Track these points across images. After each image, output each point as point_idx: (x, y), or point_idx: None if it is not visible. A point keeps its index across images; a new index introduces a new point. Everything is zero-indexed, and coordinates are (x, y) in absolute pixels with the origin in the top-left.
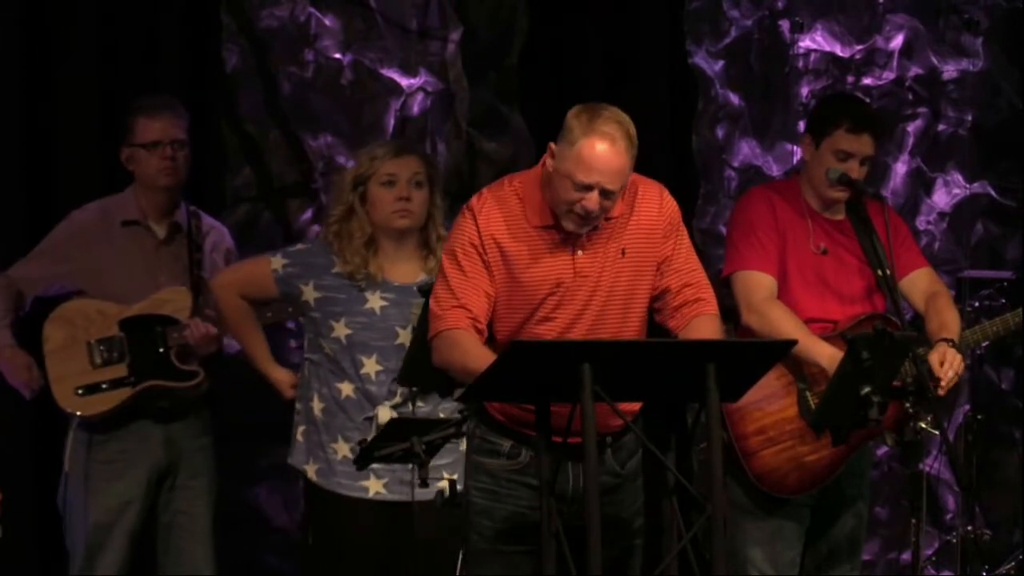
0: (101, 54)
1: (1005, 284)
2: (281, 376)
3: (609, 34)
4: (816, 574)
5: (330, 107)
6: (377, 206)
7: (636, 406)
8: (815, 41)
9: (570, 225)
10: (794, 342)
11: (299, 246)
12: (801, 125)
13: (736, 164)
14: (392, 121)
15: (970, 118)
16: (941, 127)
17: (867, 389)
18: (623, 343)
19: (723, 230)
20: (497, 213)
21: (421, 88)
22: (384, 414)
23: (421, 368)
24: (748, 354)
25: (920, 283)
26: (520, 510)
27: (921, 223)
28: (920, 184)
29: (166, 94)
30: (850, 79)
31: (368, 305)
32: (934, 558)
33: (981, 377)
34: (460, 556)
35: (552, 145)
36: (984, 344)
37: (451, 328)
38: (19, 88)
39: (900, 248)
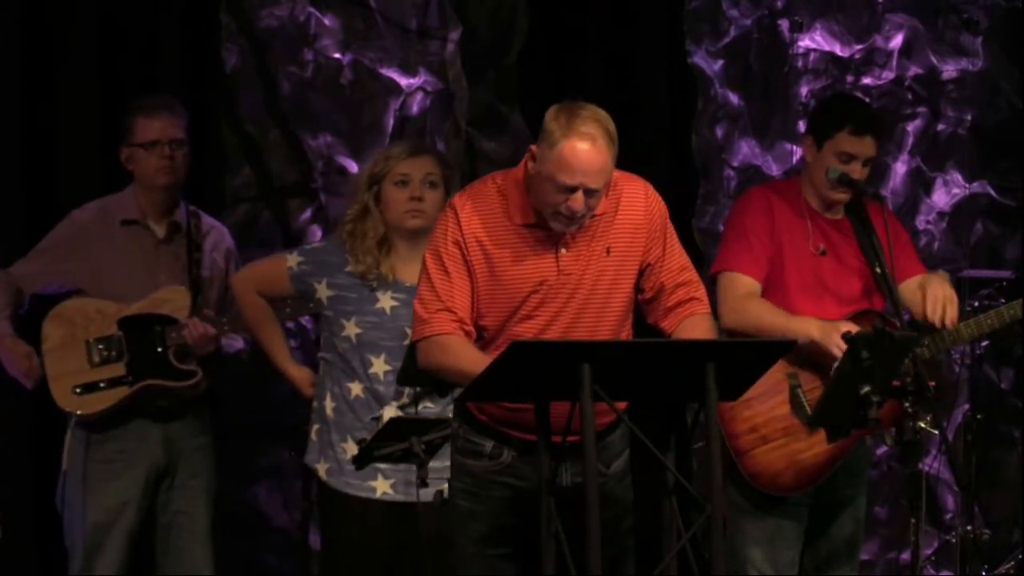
0: (101, 54)
1: (1005, 284)
2: (299, 374)
3: (609, 34)
4: (815, 575)
5: (330, 107)
6: (390, 206)
7: (621, 404)
8: (814, 41)
9: (557, 226)
10: (793, 342)
11: (315, 244)
12: (801, 125)
13: (735, 164)
14: (392, 121)
15: (969, 118)
16: (940, 127)
17: (867, 389)
18: (623, 343)
19: (722, 229)
20: (479, 211)
21: (420, 88)
22: (390, 415)
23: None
24: (747, 354)
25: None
26: (502, 512)
27: (921, 223)
28: (920, 184)
29: (166, 94)
30: (849, 79)
31: (379, 305)
32: (933, 558)
33: (981, 377)
34: None
35: (533, 147)
36: (984, 343)
37: (440, 333)
38: (19, 88)
39: (900, 253)
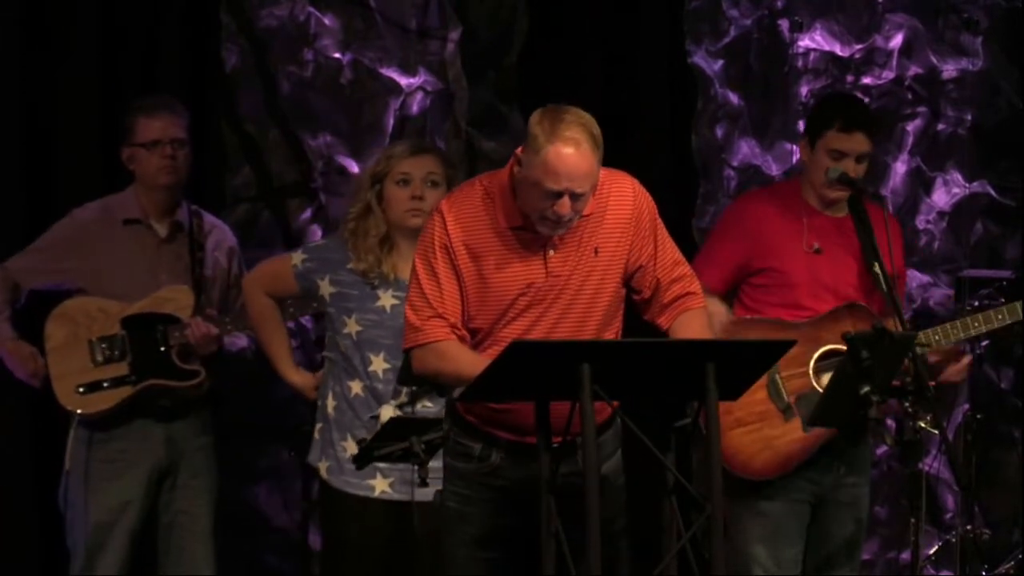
0: (101, 54)
1: (1004, 283)
2: (300, 380)
3: (609, 34)
4: (815, 575)
5: (329, 106)
6: (392, 204)
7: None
8: (814, 40)
9: (544, 230)
10: (793, 341)
11: (319, 242)
12: (801, 125)
13: (735, 163)
14: (391, 120)
15: (969, 118)
16: (940, 126)
17: (866, 389)
18: (623, 343)
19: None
20: (466, 215)
21: (420, 87)
22: (387, 413)
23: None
24: (747, 353)
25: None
26: (492, 514)
27: (920, 222)
28: (919, 183)
29: (166, 94)
30: (849, 78)
31: (379, 303)
32: (933, 557)
33: (981, 377)
34: None
35: (518, 151)
36: (984, 343)
37: (435, 340)
38: (19, 88)
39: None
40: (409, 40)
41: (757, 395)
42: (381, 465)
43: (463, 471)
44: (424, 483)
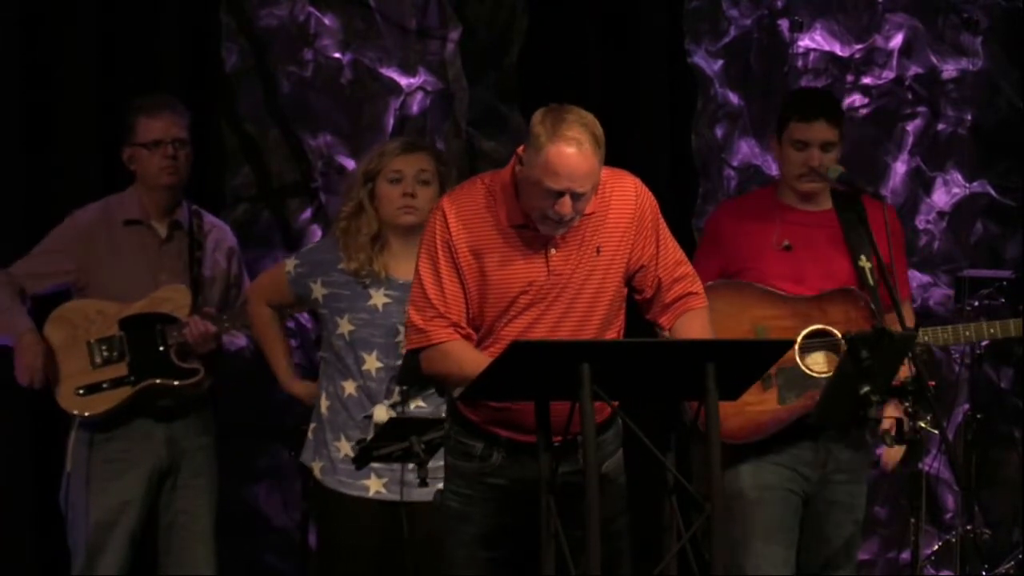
0: (101, 54)
1: (1004, 283)
2: (301, 390)
3: (609, 34)
4: None
5: (329, 106)
6: (384, 202)
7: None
8: (814, 40)
9: (546, 229)
10: (793, 341)
11: (311, 245)
12: None
13: (735, 163)
14: (391, 120)
15: (969, 117)
16: (940, 126)
17: (866, 388)
18: (623, 343)
19: None
20: (468, 213)
21: (420, 87)
22: (381, 413)
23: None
24: (747, 353)
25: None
26: (493, 514)
27: (921, 222)
28: (919, 183)
29: (165, 93)
30: (849, 78)
31: (371, 302)
32: (933, 557)
33: (981, 377)
34: None
35: (519, 150)
36: (983, 343)
37: (440, 341)
38: (19, 88)
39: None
40: (409, 40)
41: None
42: (376, 465)
43: (464, 470)
44: (424, 483)
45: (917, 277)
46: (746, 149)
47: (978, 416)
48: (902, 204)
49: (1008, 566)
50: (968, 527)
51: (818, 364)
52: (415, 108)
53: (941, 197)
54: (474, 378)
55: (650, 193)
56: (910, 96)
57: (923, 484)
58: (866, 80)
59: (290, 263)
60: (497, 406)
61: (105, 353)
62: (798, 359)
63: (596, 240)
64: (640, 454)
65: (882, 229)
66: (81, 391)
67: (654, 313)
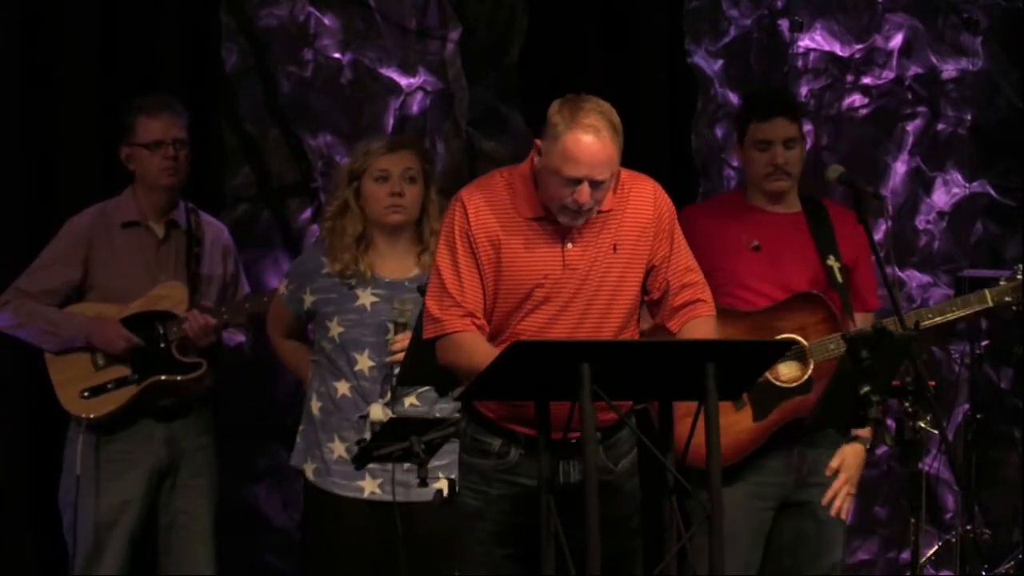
0: (101, 54)
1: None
2: None
3: (609, 34)
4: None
5: (329, 106)
6: (370, 201)
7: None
8: (814, 40)
9: (565, 219)
10: (793, 341)
11: (297, 259)
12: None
13: (735, 163)
14: (391, 120)
15: (969, 117)
16: (940, 126)
17: (867, 389)
18: (623, 343)
19: None
20: (487, 204)
21: (420, 87)
22: (377, 412)
23: (422, 367)
24: (747, 354)
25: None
26: (510, 511)
27: (920, 222)
28: (919, 183)
29: (165, 93)
30: (849, 78)
31: (359, 302)
32: (933, 557)
33: (981, 377)
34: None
35: (538, 142)
36: (983, 343)
37: (453, 331)
38: (19, 88)
39: (858, 277)
40: (409, 40)
41: None
42: (371, 466)
43: (481, 468)
44: (424, 483)
45: (917, 277)
46: None
47: (978, 416)
48: (902, 204)
49: (1008, 566)
50: (968, 527)
51: (787, 374)
52: (415, 108)
53: (941, 197)
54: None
55: (668, 198)
56: (910, 96)
57: (923, 484)
58: (866, 80)
59: (282, 286)
60: (513, 403)
61: (107, 355)
62: (767, 373)
63: (613, 238)
64: (640, 454)
65: (851, 234)
66: (86, 393)
67: (662, 316)
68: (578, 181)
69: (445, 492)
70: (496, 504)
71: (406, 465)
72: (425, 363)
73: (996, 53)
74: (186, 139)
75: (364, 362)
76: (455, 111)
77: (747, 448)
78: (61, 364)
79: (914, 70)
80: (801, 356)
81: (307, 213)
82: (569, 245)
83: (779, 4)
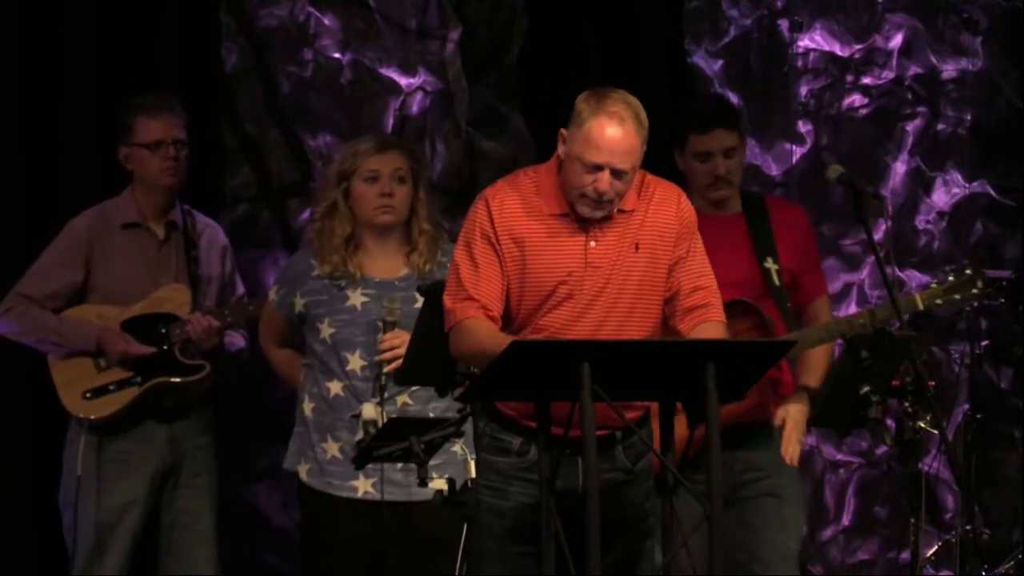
0: (101, 54)
1: (1004, 283)
2: None
3: (609, 34)
4: (761, 571)
5: (329, 106)
6: (360, 202)
7: (645, 403)
8: (814, 40)
9: (584, 210)
10: (793, 342)
11: (285, 264)
12: (801, 125)
13: None
14: (391, 120)
15: (969, 118)
16: (940, 127)
17: (866, 389)
18: (623, 343)
19: None
20: (511, 202)
21: (420, 87)
22: (369, 411)
23: (422, 367)
24: (747, 354)
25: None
26: (528, 510)
27: (920, 223)
28: (919, 183)
29: (165, 93)
30: (849, 78)
31: (349, 303)
32: (933, 557)
33: (980, 377)
34: (459, 555)
35: (563, 131)
36: (984, 343)
37: (463, 319)
38: (19, 88)
39: (806, 267)
40: (409, 40)
41: None
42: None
43: (500, 466)
44: (424, 483)
45: (917, 277)
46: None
47: (978, 416)
48: (902, 204)
49: (1008, 566)
50: (968, 527)
51: None
52: (415, 108)
53: (941, 197)
54: (490, 354)
55: (691, 206)
56: (910, 96)
57: (923, 484)
58: (866, 80)
59: (272, 292)
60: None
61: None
62: None
63: (635, 237)
64: None
65: (796, 231)
66: (88, 395)
67: (673, 319)
68: (599, 168)
69: (445, 492)
70: (514, 501)
71: (399, 465)
72: (425, 363)
73: (996, 53)
74: (185, 139)
75: (356, 362)
76: (455, 111)
77: (682, 454)
78: (63, 365)
79: (914, 70)
80: None
81: (307, 213)
82: (592, 243)
83: (779, 4)
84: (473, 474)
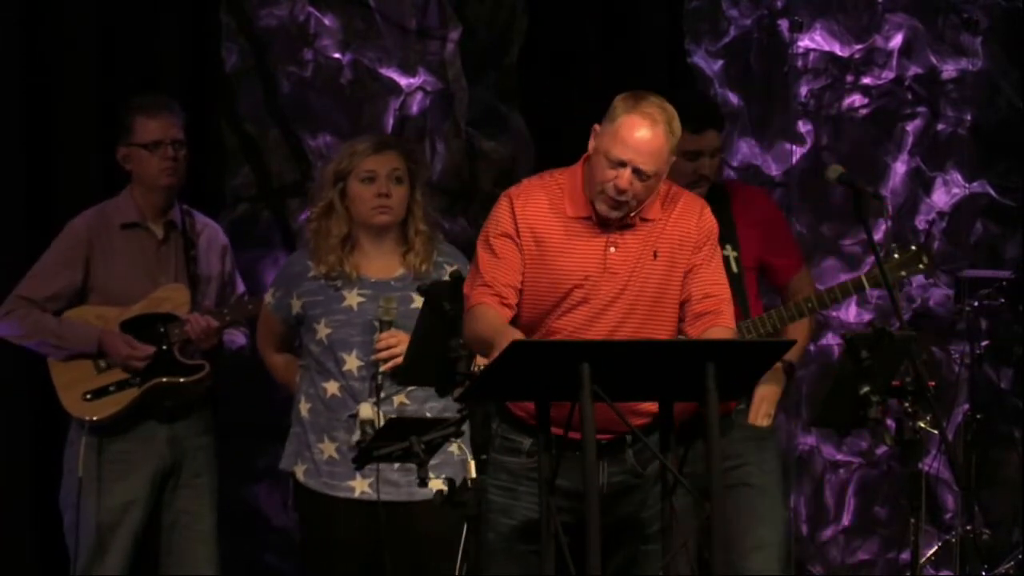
0: (101, 54)
1: (1004, 284)
2: None
3: (609, 34)
4: (739, 562)
5: (329, 106)
6: (357, 202)
7: (654, 406)
8: (814, 40)
9: (602, 207)
10: (793, 342)
11: (282, 266)
12: (801, 125)
13: (735, 163)
14: (391, 120)
15: (969, 118)
16: (940, 127)
17: (866, 389)
18: (622, 343)
19: None
20: (535, 201)
21: (420, 87)
22: (366, 411)
23: (422, 367)
24: (747, 354)
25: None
26: (536, 509)
27: (920, 223)
28: (919, 184)
29: (165, 93)
30: (849, 78)
31: (345, 303)
32: (933, 557)
33: (980, 377)
34: (459, 555)
35: (596, 126)
36: (984, 343)
37: (475, 304)
38: (19, 88)
39: (777, 244)
40: (409, 40)
41: None
42: None
43: (511, 466)
44: (424, 483)
45: (917, 277)
46: (746, 149)
47: (978, 416)
48: (902, 204)
49: (1008, 566)
50: (968, 527)
51: None
52: (415, 108)
53: (941, 197)
54: (489, 343)
55: (713, 218)
56: (910, 96)
57: (923, 484)
58: (866, 80)
59: (268, 295)
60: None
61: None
62: None
63: (654, 245)
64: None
65: (760, 214)
66: (88, 396)
67: (685, 323)
68: (623, 164)
69: (445, 492)
70: (524, 500)
71: (396, 465)
72: (424, 363)
73: (996, 53)
74: (184, 139)
75: (352, 362)
76: (455, 111)
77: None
78: (63, 367)
79: (914, 70)
80: None
81: (307, 213)
82: (612, 249)
83: (779, 4)
84: (472, 474)
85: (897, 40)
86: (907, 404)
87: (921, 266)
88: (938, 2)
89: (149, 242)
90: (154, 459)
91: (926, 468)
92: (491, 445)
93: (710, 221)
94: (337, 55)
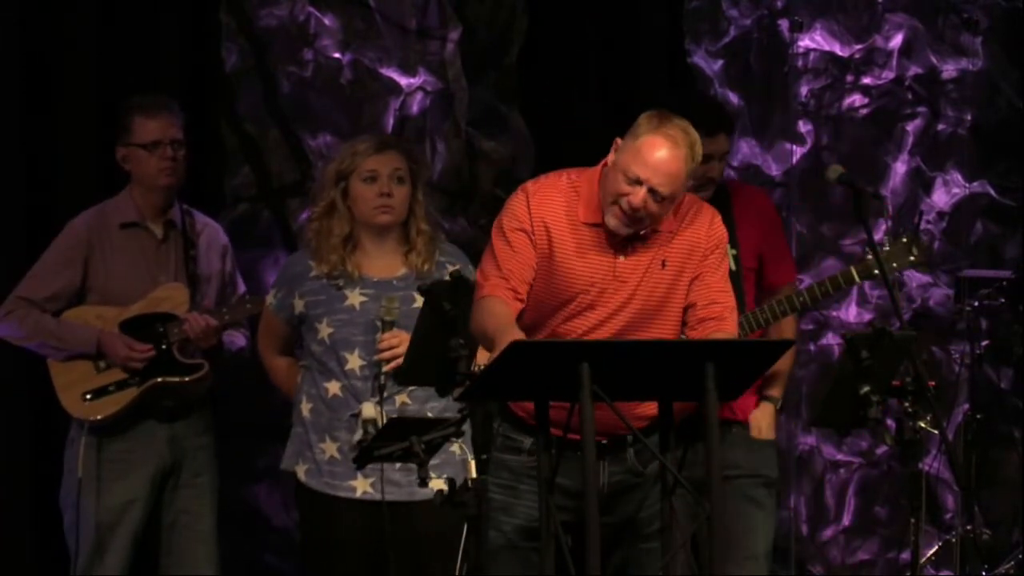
0: (101, 54)
1: (1004, 283)
2: None
3: (609, 34)
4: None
5: (329, 106)
6: (359, 202)
7: (652, 410)
8: (814, 40)
9: (612, 221)
10: (793, 342)
11: (282, 266)
12: (801, 125)
13: (735, 163)
14: (391, 120)
15: (969, 118)
16: (940, 127)
17: (866, 388)
18: (622, 343)
19: None
20: (551, 199)
21: (420, 87)
22: (368, 410)
23: (422, 367)
24: (747, 354)
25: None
26: (537, 508)
27: (920, 222)
28: (919, 184)
29: (164, 93)
30: (849, 78)
31: (347, 303)
32: (933, 557)
33: (981, 377)
34: (460, 555)
35: (617, 140)
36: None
37: (486, 295)
38: (19, 88)
39: (773, 254)
40: (409, 40)
41: None
42: None
43: (512, 464)
44: (424, 483)
45: (917, 277)
46: (746, 149)
47: (978, 416)
48: (902, 204)
49: (1008, 566)
50: (968, 527)
51: None
52: (415, 108)
53: (941, 197)
54: (492, 339)
55: (724, 227)
56: (910, 96)
57: (923, 484)
58: (866, 80)
59: (269, 296)
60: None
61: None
62: None
63: (663, 255)
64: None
65: (761, 215)
66: (88, 396)
67: (687, 328)
68: (639, 182)
69: (446, 491)
70: (525, 499)
71: (397, 465)
72: (425, 363)
73: (996, 53)
74: (183, 139)
75: (355, 361)
76: (455, 111)
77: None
78: (63, 367)
79: (914, 70)
80: None
81: (307, 213)
82: (621, 257)
83: (779, 4)
84: (473, 474)
85: (897, 40)
86: (907, 404)
87: (912, 258)
88: (938, 2)
89: (149, 242)
90: (154, 459)
91: (926, 468)
92: (493, 444)
93: (720, 230)
94: (337, 55)
